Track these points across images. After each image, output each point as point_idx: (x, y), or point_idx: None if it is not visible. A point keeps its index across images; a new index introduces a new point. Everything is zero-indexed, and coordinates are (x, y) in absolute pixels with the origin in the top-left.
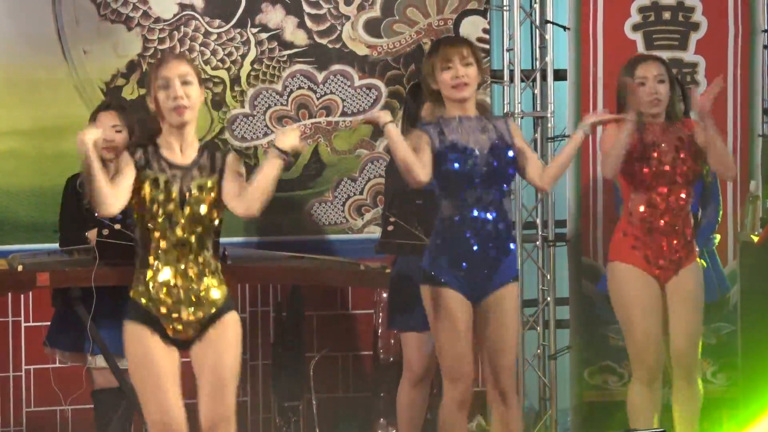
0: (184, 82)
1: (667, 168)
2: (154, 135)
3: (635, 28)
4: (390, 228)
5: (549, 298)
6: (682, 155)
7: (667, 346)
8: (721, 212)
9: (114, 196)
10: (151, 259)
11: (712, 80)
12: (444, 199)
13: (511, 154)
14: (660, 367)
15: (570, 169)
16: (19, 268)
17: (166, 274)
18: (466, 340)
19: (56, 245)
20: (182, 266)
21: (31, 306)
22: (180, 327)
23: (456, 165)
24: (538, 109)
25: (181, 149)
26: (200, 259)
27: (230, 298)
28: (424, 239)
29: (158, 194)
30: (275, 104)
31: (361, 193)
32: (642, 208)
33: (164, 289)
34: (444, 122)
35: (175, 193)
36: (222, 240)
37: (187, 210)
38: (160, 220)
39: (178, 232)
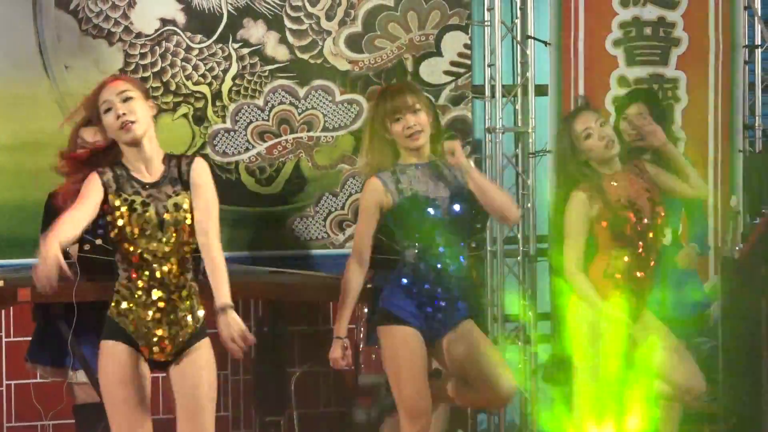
0: (125, 99)
1: (644, 221)
2: (116, 157)
3: (616, 43)
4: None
5: (530, 313)
6: (655, 205)
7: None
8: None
9: (71, 225)
10: (128, 279)
11: (693, 95)
12: (407, 248)
13: (472, 199)
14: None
15: (552, 185)
16: (0, 283)
17: (144, 295)
18: (424, 376)
19: (37, 260)
20: (161, 288)
21: (12, 321)
22: (156, 348)
23: (420, 214)
24: (520, 124)
25: (146, 167)
26: (180, 281)
27: (205, 322)
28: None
29: (134, 216)
30: (257, 119)
31: (342, 208)
32: (626, 258)
33: (142, 310)
34: (400, 170)
35: (151, 214)
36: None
37: (166, 231)
38: (138, 241)
39: (158, 253)
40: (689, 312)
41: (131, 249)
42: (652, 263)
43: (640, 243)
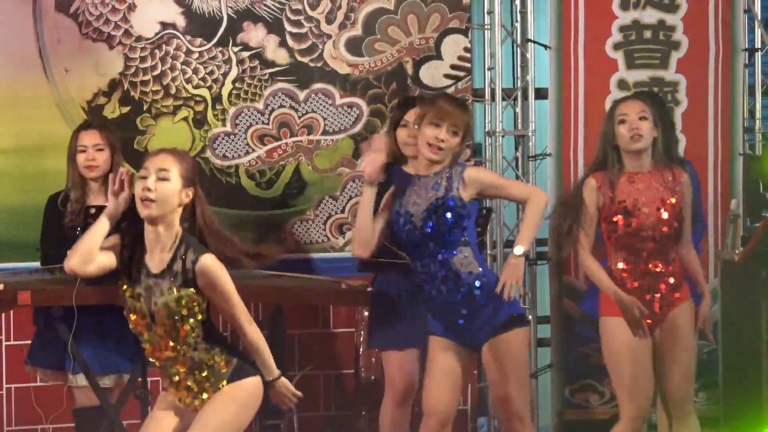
0: (161, 178)
1: (646, 232)
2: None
3: (616, 46)
4: None
5: (530, 317)
6: (663, 215)
7: (660, 388)
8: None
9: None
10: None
11: (693, 99)
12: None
13: (449, 215)
14: (647, 409)
15: (551, 188)
16: (0, 286)
17: (166, 378)
18: (442, 381)
19: (38, 263)
20: (176, 375)
21: (12, 324)
22: (187, 401)
23: (397, 228)
24: (520, 127)
25: (153, 251)
26: (194, 357)
27: (239, 366)
28: (405, 257)
29: (134, 305)
30: (257, 123)
31: (342, 211)
32: (621, 265)
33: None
34: (399, 177)
35: (144, 309)
36: None
37: (159, 327)
38: (142, 332)
39: (161, 344)
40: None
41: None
42: (656, 270)
43: (644, 251)
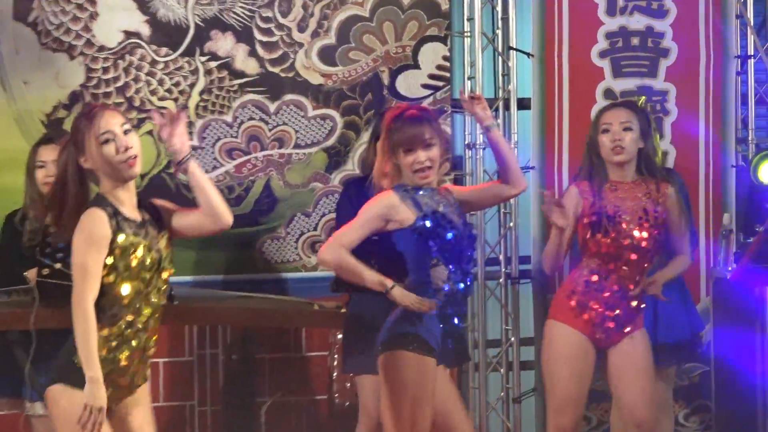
0: (126, 131)
1: (626, 241)
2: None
3: (602, 54)
4: None
5: (513, 338)
6: (645, 226)
7: (621, 415)
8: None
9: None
10: (107, 329)
11: (683, 108)
12: (434, 266)
13: (472, 231)
14: (577, 429)
15: (534, 203)
16: None
17: (124, 343)
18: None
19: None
20: (141, 337)
21: None
22: (119, 391)
23: (448, 231)
24: None
25: (132, 205)
26: (154, 324)
27: None
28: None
29: (134, 260)
30: (225, 136)
31: (315, 228)
32: (594, 278)
33: (118, 356)
34: (413, 189)
35: (151, 258)
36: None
37: (163, 274)
38: (135, 285)
39: (152, 298)
40: (679, 335)
41: (120, 293)
42: (634, 284)
43: (624, 264)
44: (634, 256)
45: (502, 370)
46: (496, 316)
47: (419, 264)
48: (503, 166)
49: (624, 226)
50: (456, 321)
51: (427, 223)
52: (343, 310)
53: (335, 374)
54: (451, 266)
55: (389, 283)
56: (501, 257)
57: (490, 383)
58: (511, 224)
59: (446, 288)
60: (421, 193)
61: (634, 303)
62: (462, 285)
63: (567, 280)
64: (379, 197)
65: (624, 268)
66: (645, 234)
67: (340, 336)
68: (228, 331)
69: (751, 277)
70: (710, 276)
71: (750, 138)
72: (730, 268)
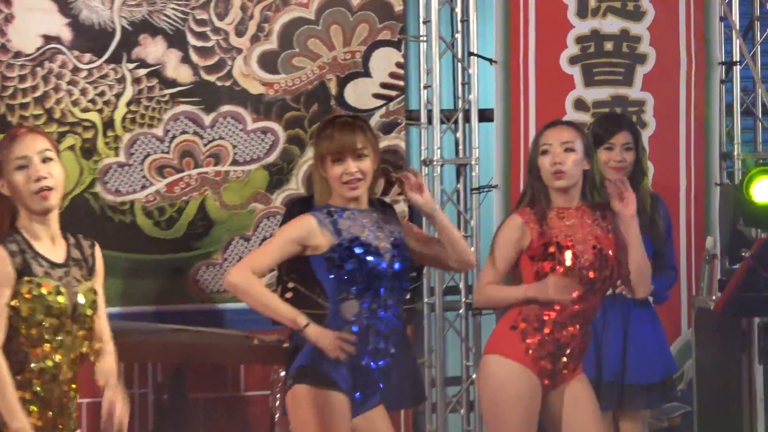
0: (45, 159)
1: (578, 268)
2: (14, 221)
3: (572, 60)
4: (288, 295)
5: (474, 376)
6: (599, 255)
7: None
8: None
9: None
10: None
11: (662, 120)
12: (343, 300)
13: (408, 259)
14: None
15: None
16: None
17: (34, 397)
18: None
19: None
20: (53, 390)
21: None
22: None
23: (364, 263)
24: (461, 155)
25: (52, 242)
26: (70, 375)
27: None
28: (327, 307)
29: (53, 301)
30: (155, 152)
31: None
32: (545, 313)
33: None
34: (336, 211)
35: (61, 302)
36: None
37: (79, 322)
38: (41, 332)
39: (67, 346)
40: (651, 377)
41: (27, 345)
42: (587, 318)
43: (578, 297)
44: (588, 288)
45: (462, 410)
46: (455, 351)
47: (332, 296)
48: (450, 252)
49: (576, 256)
50: (371, 364)
51: (340, 252)
52: (286, 345)
53: (277, 415)
54: (365, 301)
55: (303, 320)
56: (461, 285)
57: (449, 425)
58: (472, 249)
59: (354, 328)
60: (344, 215)
61: (584, 346)
62: (383, 325)
63: (510, 311)
64: (296, 220)
65: (573, 304)
66: (599, 263)
67: (282, 373)
68: (159, 369)
69: (738, 308)
70: (692, 306)
71: (735, 153)
72: (713, 297)
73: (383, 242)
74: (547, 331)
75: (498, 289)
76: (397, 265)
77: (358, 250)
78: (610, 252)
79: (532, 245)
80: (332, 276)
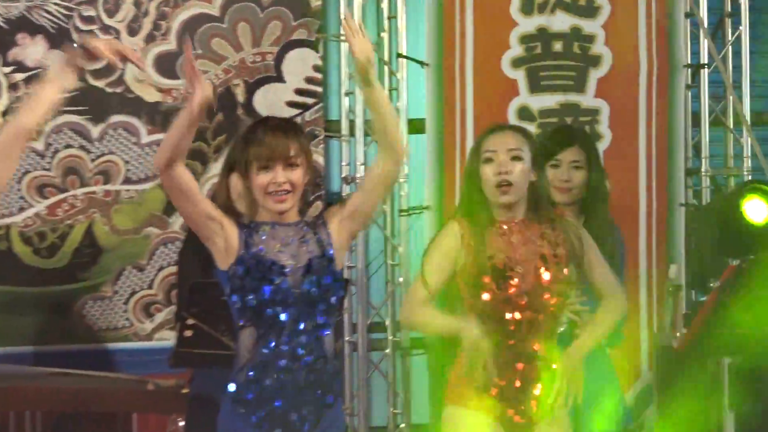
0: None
1: (522, 299)
2: None
3: (516, 63)
4: (188, 333)
5: (403, 425)
6: (545, 277)
7: None
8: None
9: None
10: None
11: (618, 131)
12: (242, 330)
13: (329, 279)
14: None
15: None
16: None
17: None
18: None
19: None
20: None
21: None
22: None
23: (264, 288)
24: None
25: None
26: None
27: None
28: (231, 347)
29: None
30: (35, 168)
31: (150, 286)
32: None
33: None
34: (254, 227)
35: None
36: None
37: None
38: None
39: None
40: (604, 426)
41: None
42: (534, 352)
43: (513, 326)
44: (530, 319)
45: None
46: (381, 397)
47: (235, 326)
48: (379, 137)
49: (517, 279)
50: (259, 419)
51: (236, 269)
52: (185, 390)
53: None
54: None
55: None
56: (388, 322)
57: None
58: (401, 279)
59: (250, 374)
60: (264, 230)
61: (535, 365)
62: (285, 360)
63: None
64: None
65: (518, 334)
66: (546, 286)
67: (182, 423)
68: (38, 418)
69: (705, 346)
70: (653, 344)
71: (703, 169)
72: (678, 335)
73: (296, 260)
74: (504, 368)
75: (431, 315)
76: (307, 286)
77: (257, 268)
78: (557, 272)
79: (467, 263)
80: (231, 298)
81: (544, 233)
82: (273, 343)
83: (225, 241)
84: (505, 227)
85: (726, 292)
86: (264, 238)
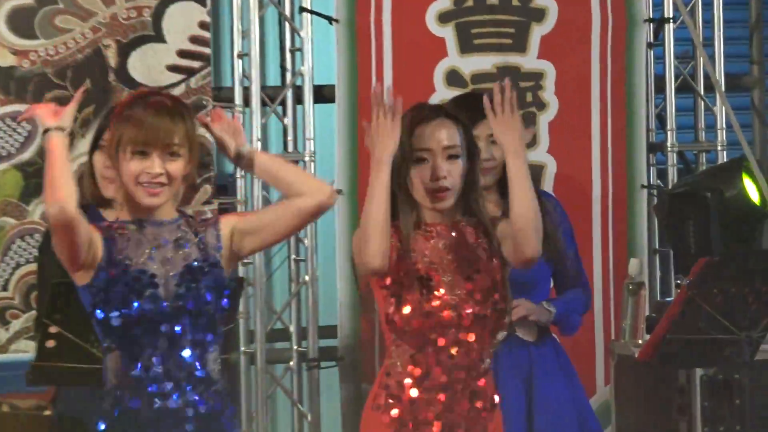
0: None
1: (447, 313)
2: None
3: (443, 18)
4: (50, 344)
5: None
6: (478, 286)
7: None
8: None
9: None
10: None
11: (566, 99)
12: (108, 353)
13: (210, 288)
14: None
15: (341, 246)
16: None
17: None
18: None
19: None
20: None
21: None
22: None
23: (132, 302)
24: (291, 148)
25: None
26: None
27: None
28: (100, 359)
29: None
30: None
31: (4, 288)
32: (408, 369)
33: None
34: (118, 227)
35: None
36: None
37: None
38: None
39: None
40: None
41: None
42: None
43: (443, 348)
44: (467, 335)
45: None
46: (285, 418)
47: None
48: (285, 192)
49: (444, 290)
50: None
51: (99, 281)
52: (48, 413)
53: None
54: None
55: None
56: (292, 328)
57: None
58: (307, 277)
59: (118, 404)
60: (129, 229)
61: (480, 402)
62: (157, 385)
63: (376, 383)
64: None
65: (453, 352)
66: (479, 297)
67: None
68: None
69: (673, 356)
70: (610, 354)
71: (669, 143)
72: (639, 342)
73: (168, 267)
74: (407, 397)
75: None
76: (183, 299)
77: (121, 279)
78: (495, 282)
79: (388, 273)
80: (93, 315)
81: (479, 238)
82: (141, 366)
83: (92, 257)
84: (431, 229)
85: (697, 289)
86: (129, 241)
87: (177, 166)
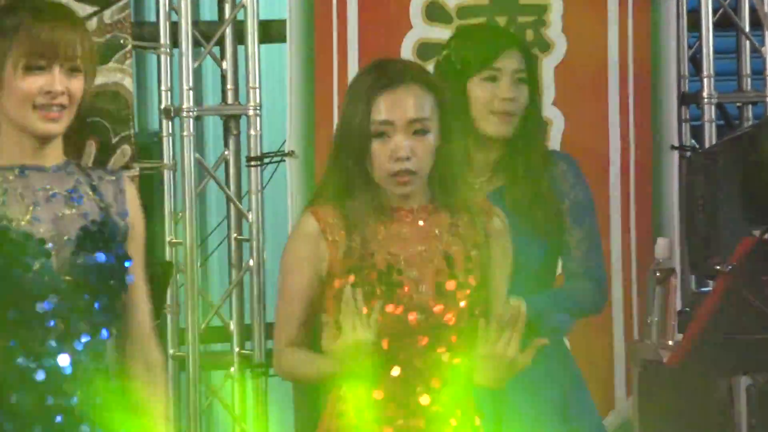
0: None
1: (411, 315)
2: None
3: None
4: None
5: None
6: (449, 284)
7: None
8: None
9: None
10: None
11: (578, 37)
12: None
13: (110, 256)
14: None
15: (296, 219)
16: None
17: None
18: None
19: None
20: None
21: None
22: None
23: (14, 275)
24: (231, 100)
25: None
26: None
27: None
28: None
29: None
30: None
31: None
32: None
33: None
34: (19, 172)
35: None
36: None
37: None
38: None
39: None
40: None
41: None
42: (435, 384)
43: (415, 356)
44: (428, 344)
45: None
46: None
47: None
48: None
49: (407, 289)
50: None
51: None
52: None
53: None
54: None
55: None
56: (233, 326)
57: None
58: (251, 262)
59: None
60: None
61: (454, 421)
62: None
63: (332, 393)
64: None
65: (417, 362)
66: (450, 298)
67: None
68: None
69: (711, 361)
70: (631, 359)
71: (705, 93)
72: (669, 343)
73: (59, 228)
74: (389, 408)
75: (299, 356)
76: (81, 270)
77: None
78: (466, 277)
79: (333, 269)
80: None
81: (455, 224)
82: (25, 357)
83: None
84: (393, 214)
85: (741, 276)
86: (8, 195)
87: (78, 85)
